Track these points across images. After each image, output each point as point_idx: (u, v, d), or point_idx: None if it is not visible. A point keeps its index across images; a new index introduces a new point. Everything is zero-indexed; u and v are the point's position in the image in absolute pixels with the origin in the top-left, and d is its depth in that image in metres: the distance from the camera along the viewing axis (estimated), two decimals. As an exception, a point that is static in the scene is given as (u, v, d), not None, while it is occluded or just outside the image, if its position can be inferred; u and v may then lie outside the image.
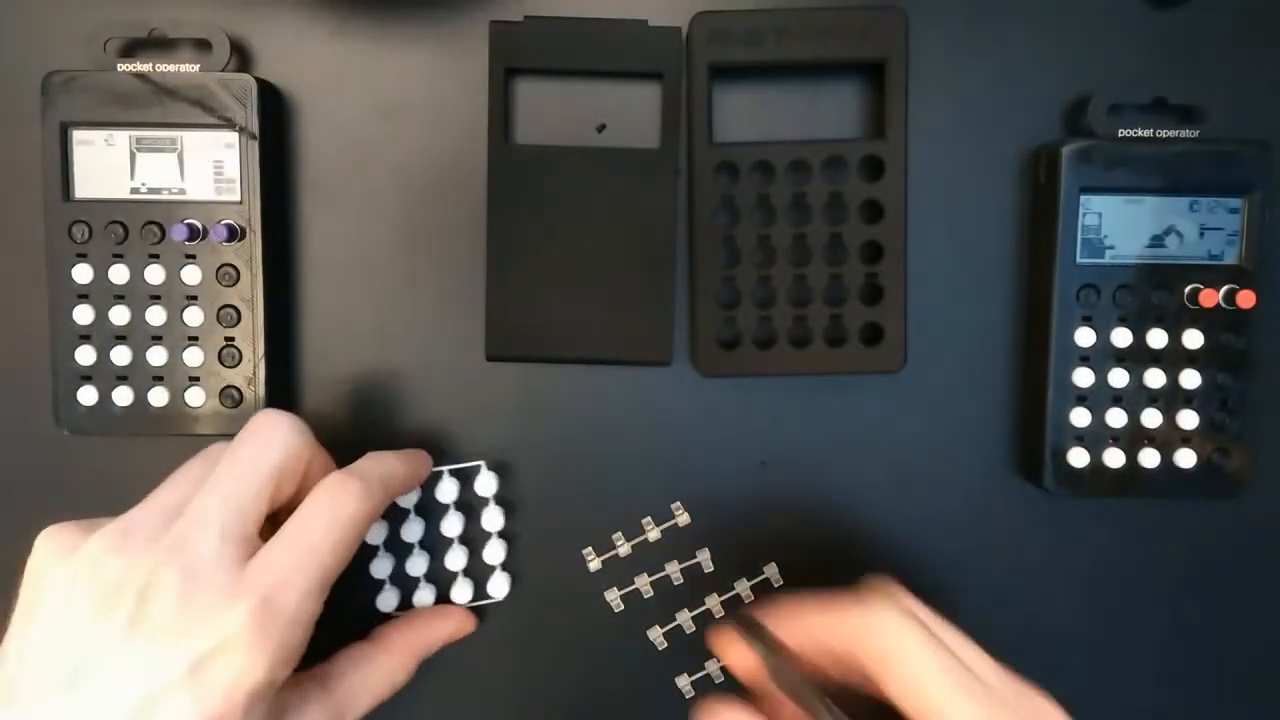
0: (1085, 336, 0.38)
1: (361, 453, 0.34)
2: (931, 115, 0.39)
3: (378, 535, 0.39)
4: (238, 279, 0.37)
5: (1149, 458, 0.38)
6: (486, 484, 0.39)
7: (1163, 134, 0.38)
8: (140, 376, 0.38)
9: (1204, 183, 0.38)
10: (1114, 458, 0.38)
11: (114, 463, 0.39)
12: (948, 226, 0.40)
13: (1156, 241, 0.38)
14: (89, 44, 0.37)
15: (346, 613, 0.34)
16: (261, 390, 0.38)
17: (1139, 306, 0.38)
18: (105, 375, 0.38)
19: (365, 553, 0.39)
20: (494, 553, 0.39)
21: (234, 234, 0.37)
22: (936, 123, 0.39)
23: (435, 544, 0.39)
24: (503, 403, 0.40)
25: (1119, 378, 0.38)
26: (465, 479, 0.39)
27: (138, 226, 0.37)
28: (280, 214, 0.39)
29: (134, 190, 0.37)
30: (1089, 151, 0.37)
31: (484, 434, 0.40)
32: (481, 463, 0.39)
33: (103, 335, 0.38)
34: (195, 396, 0.38)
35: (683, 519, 0.40)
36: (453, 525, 0.39)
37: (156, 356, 0.38)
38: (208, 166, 0.37)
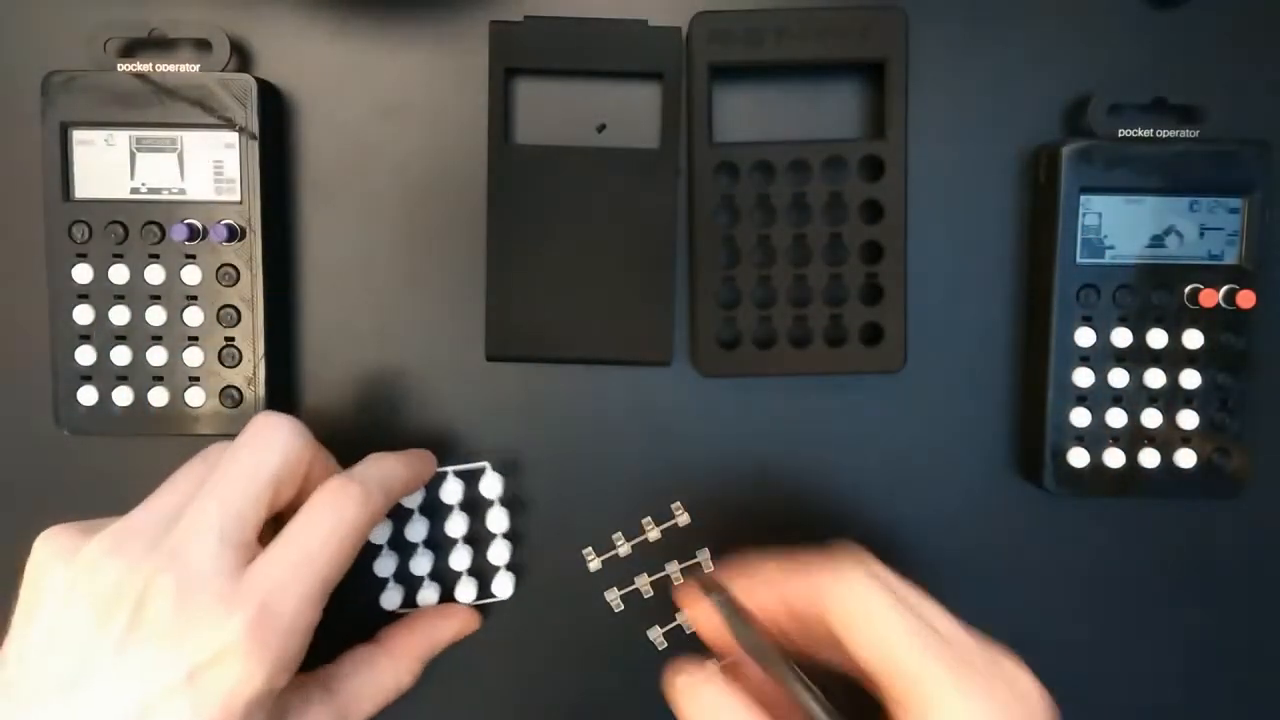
0: (1085, 336, 0.38)
1: (361, 452, 0.34)
2: (931, 115, 0.39)
3: (382, 534, 0.39)
4: (238, 279, 0.37)
5: (1149, 458, 0.38)
6: (491, 485, 0.39)
7: (1163, 134, 0.38)
8: (140, 376, 0.38)
9: (1204, 183, 0.38)
10: (1114, 458, 0.38)
11: (114, 463, 0.39)
12: (948, 226, 0.40)
13: (1156, 241, 0.38)
14: (89, 44, 0.37)
15: (350, 612, 0.34)
16: (261, 390, 0.38)
17: (1139, 306, 0.38)
18: (105, 375, 0.38)
19: (369, 551, 0.38)
20: (499, 553, 0.39)
21: (234, 234, 0.37)
22: (936, 123, 0.39)
23: (439, 543, 0.39)
24: (503, 403, 0.40)
25: (1119, 378, 0.38)
26: (469, 479, 0.39)
27: (138, 226, 0.37)
28: (280, 214, 0.39)
29: (134, 190, 0.37)
30: (1089, 151, 0.37)
31: (484, 434, 0.40)
32: (486, 464, 0.39)
33: (103, 335, 0.38)
34: (195, 396, 0.38)
35: (683, 519, 0.40)
36: (457, 525, 0.39)
37: (156, 356, 0.38)
38: (208, 166, 0.37)
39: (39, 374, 0.38)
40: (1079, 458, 0.38)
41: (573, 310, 0.38)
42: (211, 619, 0.27)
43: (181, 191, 0.38)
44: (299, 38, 0.39)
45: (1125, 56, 0.40)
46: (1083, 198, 0.38)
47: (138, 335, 0.38)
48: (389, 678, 0.35)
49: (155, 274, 0.37)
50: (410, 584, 0.39)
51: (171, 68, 0.37)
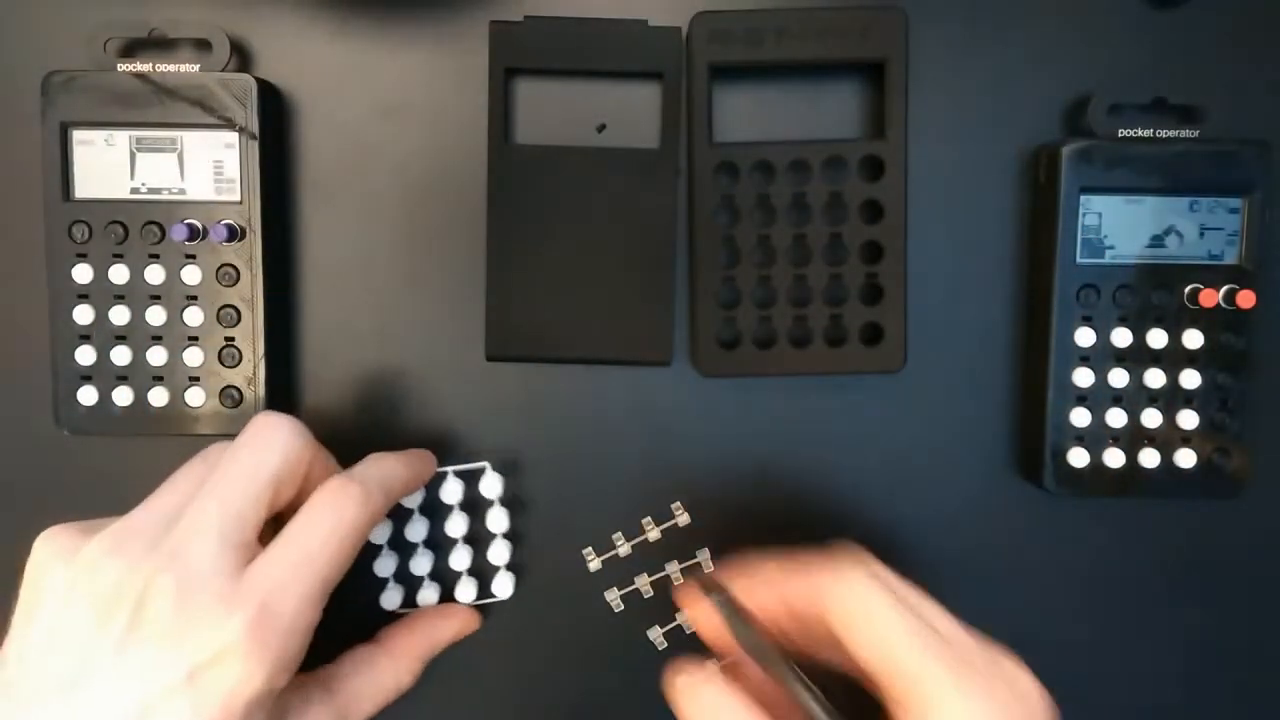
0: (1085, 336, 0.38)
1: (361, 452, 0.34)
2: (931, 115, 0.39)
3: (382, 534, 0.39)
4: (238, 279, 0.37)
5: (1149, 458, 0.38)
6: (491, 485, 0.39)
7: (1163, 134, 0.38)
8: (140, 376, 0.38)
9: (1204, 183, 0.38)
10: (1114, 458, 0.38)
11: (114, 463, 0.39)
12: (948, 226, 0.40)
13: (1156, 241, 0.38)
14: (89, 44, 0.37)
15: (350, 612, 0.34)
16: (261, 390, 0.38)
17: (1139, 306, 0.38)
18: (105, 375, 0.38)
19: (369, 551, 0.38)
20: (499, 553, 0.39)
21: (234, 234, 0.37)
22: (936, 123, 0.39)
23: (439, 543, 0.39)
24: (503, 403, 0.40)
25: (1119, 378, 0.38)
26: (470, 479, 0.39)
27: (138, 226, 0.37)
28: (280, 214, 0.39)
29: (134, 190, 0.37)
30: (1089, 151, 0.37)
31: (483, 434, 0.40)
32: (486, 464, 0.39)
33: (103, 335, 0.38)
34: (195, 396, 0.38)
35: (683, 519, 0.40)
36: (457, 525, 0.39)
37: (156, 356, 0.38)
38: (208, 166, 0.37)
39: (39, 374, 0.38)
40: (1079, 458, 0.38)
41: (573, 310, 0.38)
42: (211, 619, 0.27)
43: (181, 191, 0.38)
44: (299, 38, 0.39)
45: (1125, 56, 0.40)
46: (1083, 198, 0.38)
47: (138, 335, 0.38)
48: (389, 678, 0.35)
49: (155, 274, 0.37)
50: (410, 584, 0.39)
51: (171, 68, 0.37)
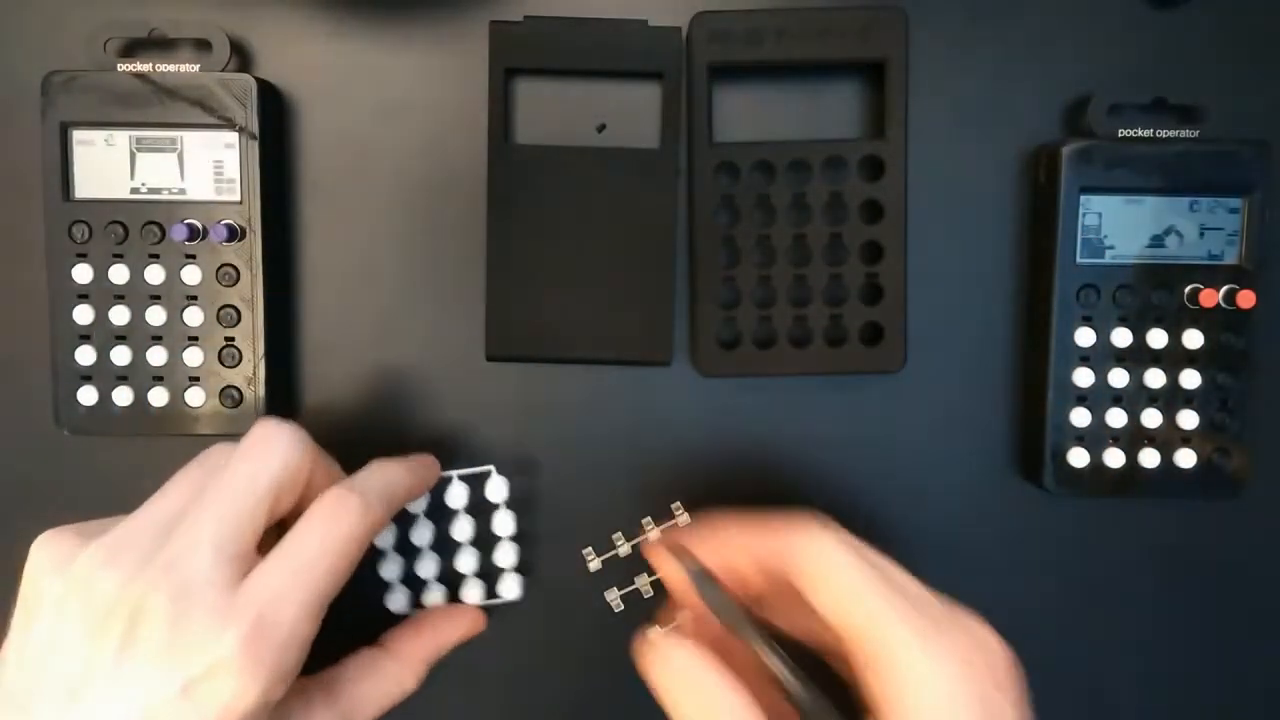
0: (1085, 336, 0.38)
1: (361, 452, 0.34)
2: (931, 115, 0.39)
3: (386, 539, 0.39)
4: (238, 279, 0.37)
5: (1149, 458, 0.38)
6: (497, 489, 0.38)
7: (1163, 134, 0.38)
8: (140, 376, 0.38)
9: (1204, 183, 0.38)
10: (1114, 458, 0.38)
11: (114, 463, 0.39)
12: (948, 226, 0.40)
13: (1156, 241, 0.38)
14: (89, 44, 0.37)
15: (356, 614, 0.34)
16: (261, 390, 0.38)
17: (1139, 306, 0.38)
18: (105, 375, 0.38)
19: (374, 555, 0.38)
20: (505, 555, 0.39)
21: (234, 234, 0.37)
22: (936, 123, 0.39)
23: (444, 547, 0.39)
24: (503, 403, 0.40)
25: (1119, 378, 0.38)
26: (474, 483, 0.39)
27: (138, 226, 0.37)
28: (280, 214, 0.39)
29: (134, 190, 0.37)
30: (1089, 151, 0.37)
31: (483, 434, 0.40)
32: (491, 467, 0.39)
33: (103, 335, 0.38)
34: (195, 396, 0.38)
35: (683, 519, 0.40)
36: (463, 529, 0.38)
37: (156, 356, 0.38)
38: (208, 166, 0.37)
39: (39, 374, 0.38)
40: (1079, 458, 0.38)
41: (573, 310, 0.38)
42: (205, 633, 0.27)
43: (181, 191, 0.38)
44: (299, 38, 0.39)
45: (1125, 56, 0.40)
46: (1083, 198, 0.38)
47: (138, 335, 0.38)
48: (393, 681, 0.35)
49: (155, 274, 0.37)
50: (416, 587, 0.39)
51: (171, 68, 0.37)
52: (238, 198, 0.37)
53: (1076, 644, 0.41)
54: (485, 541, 0.40)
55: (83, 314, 0.37)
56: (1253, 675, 0.41)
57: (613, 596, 0.40)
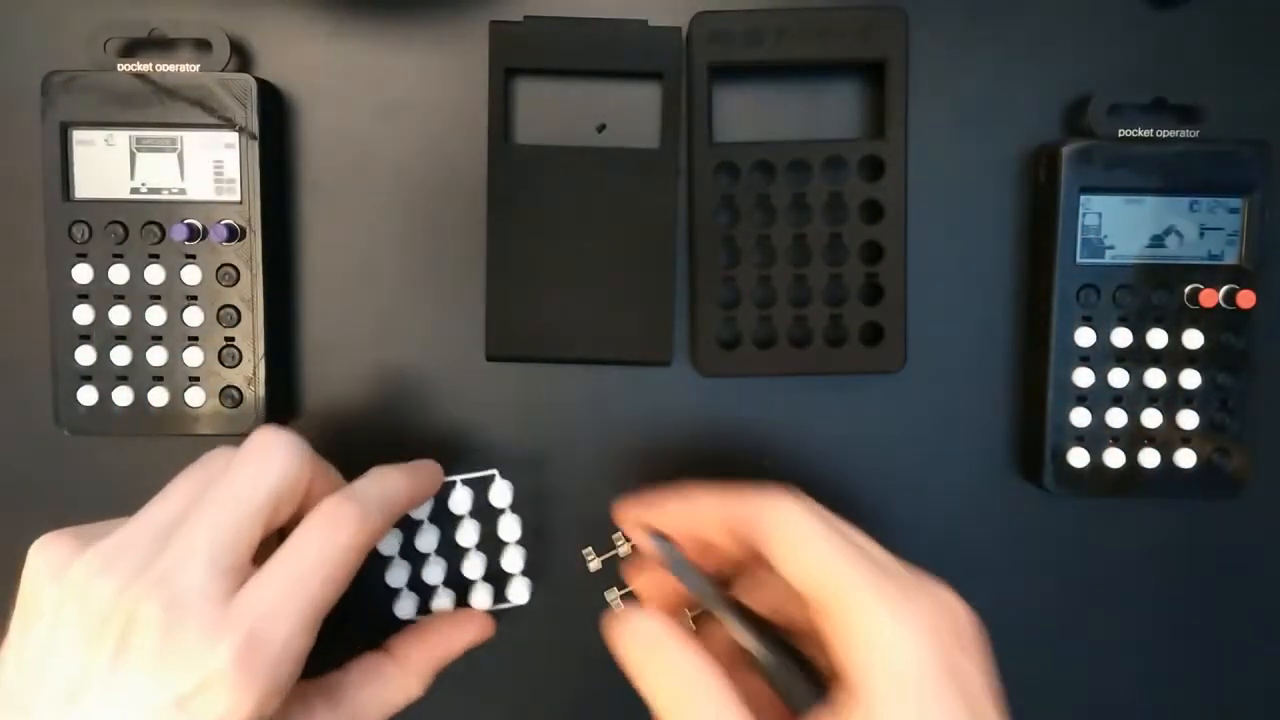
0: (1085, 336, 0.38)
1: (360, 452, 0.34)
2: (931, 115, 0.39)
3: (391, 546, 0.38)
4: (238, 279, 0.37)
5: (1149, 458, 0.38)
6: (501, 493, 0.38)
7: (1163, 134, 0.38)
8: (140, 376, 0.38)
9: (1204, 183, 0.38)
10: (1114, 458, 0.38)
11: (114, 463, 0.39)
12: (948, 226, 0.40)
13: (1156, 241, 0.38)
14: (89, 44, 0.37)
15: (362, 621, 0.34)
16: (261, 390, 0.38)
17: (1139, 306, 0.38)
18: (105, 375, 0.38)
19: (380, 562, 0.38)
20: (512, 560, 0.39)
21: (234, 234, 0.37)
22: (936, 123, 0.39)
23: (449, 552, 0.39)
24: (502, 403, 0.40)
25: (1119, 378, 0.38)
26: (478, 487, 0.38)
27: (138, 226, 0.37)
28: (280, 214, 0.39)
29: (134, 190, 0.37)
30: (1089, 151, 0.37)
31: (483, 434, 0.40)
32: (495, 471, 0.39)
33: (103, 335, 0.38)
34: (195, 396, 0.38)
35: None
36: (467, 534, 0.38)
37: (156, 356, 0.38)
38: (208, 166, 0.37)
39: (39, 374, 0.38)
40: (1079, 458, 0.38)
41: (573, 310, 0.38)
42: (198, 647, 0.27)
43: (181, 191, 0.38)
44: (299, 38, 0.39)
45: (1125, 56, 0.40)
46: (1083, 198, 0.38)
47: (138, 335, 0.38)
48: (398, 689, 0.34)
49: (155, 274, 0.37)
50: (424, 593, 0.39)
51: (171, 68, 0.37)
52: (238, 198, 0.37)
53: (1076, 644, 0.41)
54: (491, 545, 0.39)
55: (83, 314, 0.37)
56: (1253, 675, 0.41)
57: (613, 596, 0.40)
